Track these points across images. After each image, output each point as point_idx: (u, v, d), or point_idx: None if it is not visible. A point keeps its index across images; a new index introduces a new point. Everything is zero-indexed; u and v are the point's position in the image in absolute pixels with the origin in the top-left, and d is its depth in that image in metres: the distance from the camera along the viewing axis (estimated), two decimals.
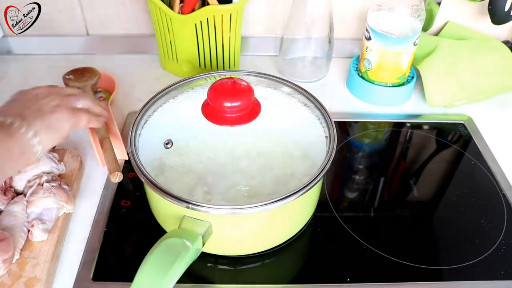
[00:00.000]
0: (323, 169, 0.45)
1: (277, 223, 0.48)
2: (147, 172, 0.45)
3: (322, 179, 0.46)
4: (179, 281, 0.47)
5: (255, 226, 0.47)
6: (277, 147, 0.57)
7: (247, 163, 0.55)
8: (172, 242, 0.40)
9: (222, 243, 0.47)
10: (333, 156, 0.46)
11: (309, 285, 0.47)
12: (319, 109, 0.53)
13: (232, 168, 0.54)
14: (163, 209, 0.47)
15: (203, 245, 0.42)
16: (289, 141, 0.58)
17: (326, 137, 0.51)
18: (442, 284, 0.47)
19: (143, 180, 0.44)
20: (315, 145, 0.52)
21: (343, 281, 0.47)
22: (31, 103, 0.44)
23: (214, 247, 0.47)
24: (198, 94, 0.56)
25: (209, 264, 0.48)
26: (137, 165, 0.45)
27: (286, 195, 0.42)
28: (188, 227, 0.42)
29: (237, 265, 0.49)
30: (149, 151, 0.54)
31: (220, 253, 0.48)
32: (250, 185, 0.52)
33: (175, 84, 0.55)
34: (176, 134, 0.57)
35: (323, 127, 0.52)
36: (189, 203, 0.41)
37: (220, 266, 0.48)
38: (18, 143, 0.40)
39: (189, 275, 0.47)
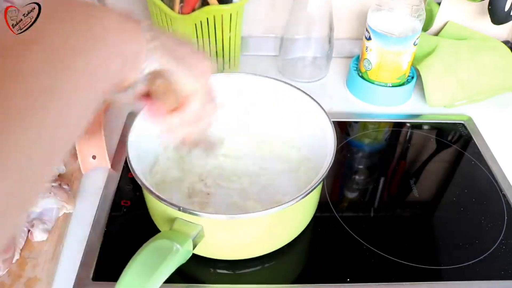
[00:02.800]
0: (321, 177, 0.44)
1: (274, 228, 0.47)
2: (141, 173, 0.44)
3: (322, 182, 0.45)
4: (178, 281, 0.47)
5: (249, 231, 0.46)
6: (276, 149, 0.57)
7: (247, 165, 0.55)
8: (160, 244, 0.39)
9: (219, 247, 0.47)
10: (332, 161, 0.45)
11: (309, 285, 0.47)
12: (318, 111, 0.53)
13: (232, 169, 0.54)
14: (158, 210, 0.47)
15: (194, 248, 0.42)
16: (288, 142, 0.58)
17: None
18: (442, 284, 0.47)
19: (138, 181, 0.44)
20: (314, 147, 0.52)
21: (343, 281, 0.47)
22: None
23: (210, 251, 0.47)
24: None
25: (209, 269, 0.48)
26: (132, 166, 0.45)
27: (280, 204, 0.41)
28: (180, 229, 0.42)
29: (236, 269, 0.48)
30: (149, 151, 0.54)
31: (216, 257, 0.48)
32: (249, 187, 0.52)
33: None
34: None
35: (322, 128, 0.51)
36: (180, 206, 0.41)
37: (219, 270, 0.48)
38: (138, 40, 0.29)
39: (187, 279, 0.47)
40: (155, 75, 0.32)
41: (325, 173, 0.44)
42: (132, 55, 0.29)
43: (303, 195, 0.42)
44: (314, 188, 0.43)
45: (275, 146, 0.57)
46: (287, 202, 0.41)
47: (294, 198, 0.42)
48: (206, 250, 0.47)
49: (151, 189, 0.42)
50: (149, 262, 0.38)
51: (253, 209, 0.48)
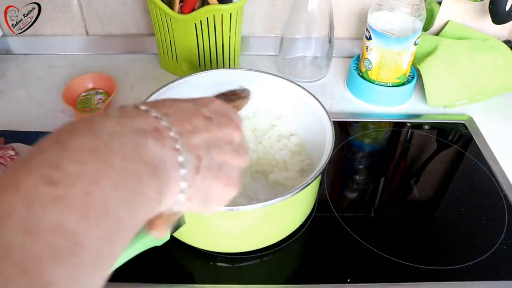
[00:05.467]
0: (319, 170, 0.44)
1: (262, 223, 0.47)
2: None
3: (317, 179, 0.45)
4: (178, 281, 0.47)
5: (233, 224, 0.47)
6: (275, 144, 0.57)
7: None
8: None
9: (203, 238, 0.48)
10: (329, 157, 0.46)
11: (309, 285, 0.46)
12: (318, 108, 0.53)
13: None
14: None
15: (171, 233, 0.42)
16: (288, 138, 0.58)
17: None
18: (443, 285, 0.47)
19: None
20: (313, 144, 0.52)
21: (343, 281, 0.47)
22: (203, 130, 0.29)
23: (194, 241, 0.48)
24: (198, 91, 0.56)
25: (209, 262, 0.49)
26: None
27: (256, 203, 0.42)
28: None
29: (235, 264, 0.49)
30: None
31: (196, 246, 0.49)
32: (247, 182, 0.52)
33: (174, 81, 0.55)
34: None
35: (322, 126, 0.51)
36: None
37: (219, 264, 0.49)
38: (166, 168, 0.25)
39: (188, 273, 0.48)
40: None
41: (324, 165, 0.44)
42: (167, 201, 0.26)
43: (298, 189, 0.42)
44: (310, 182, 0.43)
45: (274, 141, 0.57)
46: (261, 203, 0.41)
47: (284, 195, 0.42)
48: (188, 238, 0.48)
49: None
50: None
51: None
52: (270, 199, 0.41)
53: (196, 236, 0.48)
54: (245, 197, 0.51)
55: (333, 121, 0.51)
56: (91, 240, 0.19)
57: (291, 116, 0.58)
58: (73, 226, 0.19)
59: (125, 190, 0.21)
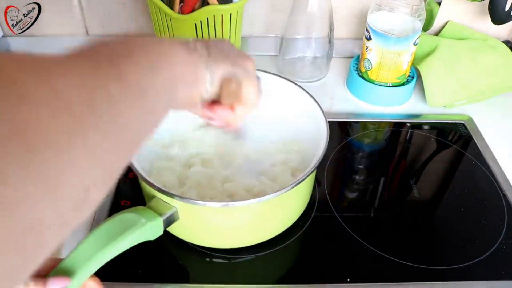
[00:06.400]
0: (310, 169, 0.45)
1: (256, 219, 0.48)
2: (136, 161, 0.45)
3: (312, 175, 0.45)
4: (174, 278, 0.47)
5: (227, 220, 0.47)
6: (272, 143, 0.57)
7: (242, 159, 0.55)
8: (126, 216, 0.41)
9: (194, 232, 0.48)
10: (321, 157, 0.46)
11: (309, 285, 0.47)
12: (315, 107, 0.53)
13: (227, 161, 0.54)
14: (144, 191, 0.49)
15: (166, 227, 0.43)
16: (285, 137, 0.58)
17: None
18: (442, 284, 0.47)
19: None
20: (310, 143, 0.52)
21: (343, 281, 0.47)
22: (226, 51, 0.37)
23: (189, 237, 0.49)
24: None
25: (205, 258, 0.49)
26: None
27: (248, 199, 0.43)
28: (153, 207, 0.43)
29: (232, 262, 0.49)
30: (149, 146, 0.54)
31: (191, 241, 0.49)
32: (242, 180, 0.53)
33: None
34: (175, 129, 0.57)
35: (317, 124, 0.51)
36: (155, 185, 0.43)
37: (215, 260, 0.49)
38: (194, 62, 0.33)
39: (183, 270, 0.48)
40: (224, 82, 0.35)
41: (317, 163, 0.45)
42: (193, 77, 0.32)
43: (293, 185, 0.43)
44: (304, 178, 0.43)
45: (271, 140, 0.58)
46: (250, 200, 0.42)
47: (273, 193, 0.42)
48: (184, 234, 0.48)
49: (137, 167, 0.43)
50: (110, 232, 0.39)
51: (243, 198, 0.49)
52: (265, 195, 0.42)
53: (191, 232, 0.48)
54: (240, 194, 0.51)
55: (333, 121, 0.51)
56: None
57: (288, 116, 0.58)
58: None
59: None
